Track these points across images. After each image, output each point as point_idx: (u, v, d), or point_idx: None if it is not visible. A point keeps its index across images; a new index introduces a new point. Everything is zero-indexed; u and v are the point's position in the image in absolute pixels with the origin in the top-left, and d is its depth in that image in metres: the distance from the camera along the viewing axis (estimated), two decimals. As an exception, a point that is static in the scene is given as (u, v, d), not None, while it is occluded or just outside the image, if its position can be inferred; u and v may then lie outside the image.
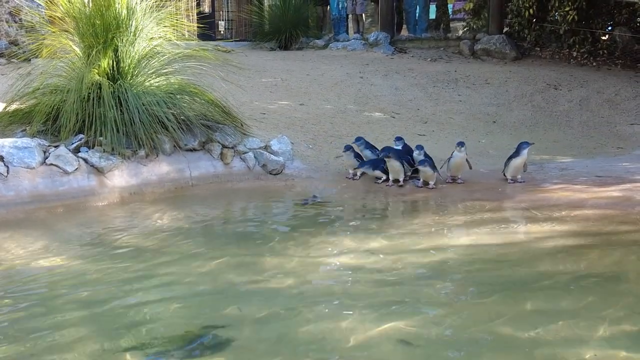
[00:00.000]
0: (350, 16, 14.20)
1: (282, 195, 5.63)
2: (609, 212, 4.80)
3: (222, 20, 17.80)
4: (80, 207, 4.99)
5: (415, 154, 5.72)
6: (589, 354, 2.71)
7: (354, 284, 3.57)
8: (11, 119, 5.68)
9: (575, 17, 11.02)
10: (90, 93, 5.46)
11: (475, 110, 8.78)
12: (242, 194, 5.64)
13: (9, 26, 8.91)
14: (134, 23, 5.76)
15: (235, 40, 13.61)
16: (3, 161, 4.87)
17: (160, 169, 5.52)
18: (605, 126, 8.34)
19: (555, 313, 3.12)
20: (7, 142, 5.03)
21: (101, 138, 5.34)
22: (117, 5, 5.64)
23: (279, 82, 9.10)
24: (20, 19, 8.56)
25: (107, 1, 5.61)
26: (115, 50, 5.69)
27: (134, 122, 5.41)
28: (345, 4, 13.84)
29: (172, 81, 5.96)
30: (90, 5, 5.72)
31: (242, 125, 6.22)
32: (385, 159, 5.55)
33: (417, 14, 13.16)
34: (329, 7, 14.51)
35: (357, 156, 5.89)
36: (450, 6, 14.54)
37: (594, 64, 11.20)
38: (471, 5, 12.56)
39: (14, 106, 5.76)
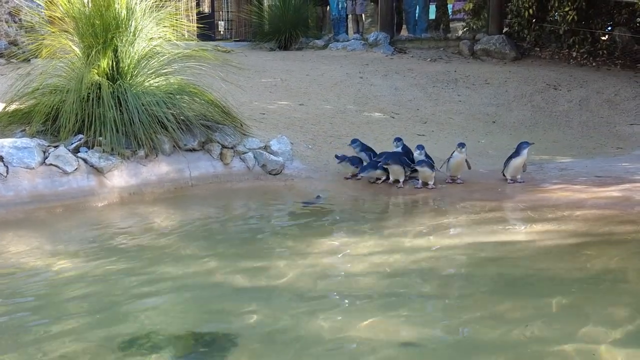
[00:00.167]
0: (350, 16, 14.20)
1: (282, 195, 5.62)
2: (608, 212, 4.79)
3: (222, 20, 17.81)
4: (80, 207, 4.99)
5: (416, 154, 5.71)
6: (589, 354, 2.71)
7: (354, 284, 3.57)
8: (11, 119, 5.68)
9: (575, 17, 11.01)
10: (89, 93, 5.47)
11: (475, 110, 8.78)
12: (241, 194, 5.64)
13: (8, 26, 8.90)
14: (133, 23, 5.76)
15: (235, 41, 13.64)
16: (2, 161, 4.87)
17: (159, 169, 5.52)
18: (605, 126, 8.34)
19: (554, 313, 3.12)
20: (7, 142, 5.03)
21: (101, 138, 5.34)
22: (116, 5, 5.64)
23: (279, 83, 9.10)
24: (20, 19, 8.55)
25: (106, 1, 5.62)
26: (115, 51, 5.69)
27: (133, 122, 5.41)
28: (345, 4, 13.84)
29: (171, 81, 5.95)
30: (90, 5, 5.71)
31: (241, 125, 6.22)
32: (385, 166, 5.54)
33: (416, 14, 13.16)
34: (328, 7, 14.51)
35: (356, 159, 5.87)
36: (450, 6, 14.56)
37: (594, 64, 11.20)
38: (471, 5, 12.56)
39: (13, 106, 5.76)
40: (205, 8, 16.93)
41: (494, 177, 5.85)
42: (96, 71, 5.59)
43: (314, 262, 3.90)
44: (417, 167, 5.52)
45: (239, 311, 3.18)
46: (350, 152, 6.03)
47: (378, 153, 5.81)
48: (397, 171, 5.56)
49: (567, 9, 11.04)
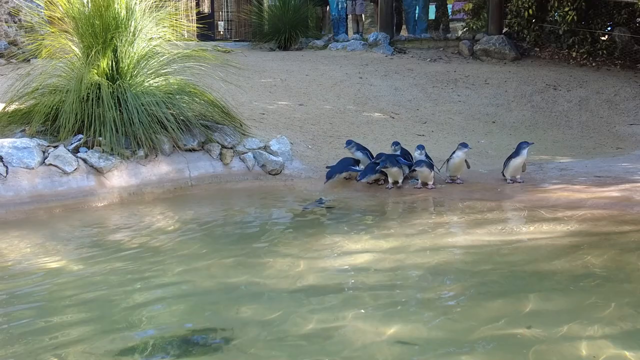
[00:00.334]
0: (349, 16, 14.20)
1: (282, 195, 5.62)
2: (608, 212, 4.79)
3: (222, 20, 17.78)
4: (80, 208, 4.99)
5: (417, 154, 5.70)
6: (589, 354, 2.71)
7: (354, 285, 3.57)
8: (10, 119, 5.68)
9: (575, 17, 11.02)
10: (89, 93, 5.47)
11: (475, 110, 8.78)
12: (241, 194, 5.64)
13: (8, 26, 8.91)
14: (133, 23, 5.77)
15: (235, 41, 13.63)
16: (2, 161, 4.87)
17: (159, 169, 5.52)
18: (605, 126, 8.34)
19: (554, 313, 3.12)
20: (7, 142, 5.03)
21: (100, 138, 5.34)
22: (116, 5, 5.65)
23: (278, 83, 9.09)
24: (20, 19, 8.56)
25: (106, 1, 5.62)
26: (115, 51, 5.70)
27: (133, 122, 5.41)
28: (345, 5, 13.83)
29: (171, 81, 5.96)
30: (90, 5, 5.72)
31: (241, 125, 6.23)
32: (383, 169, 5.53)
33: (416, 15, 13.16)
34: (328, 8, 14.51)
35: (355, 161, 5.86)
36: (449, 6, 14.57)
37: (594, 64, 11.20)
38: (470, 5, 12.57)
39: (13, 106, 5.76)
40: (205, 8, 16.90)
41: (493, 177, 5.84)
42: (96, 71, 5.59)
43: (313, 262, 3.90)
44: (416, 168, 5.51)
45: (237, 311, 3.18)
46: (346, 153, 6.02)
47: (375, 155, 5.81)
48: (395, 173, 5.56)
49: (566, 9, 11.05)
